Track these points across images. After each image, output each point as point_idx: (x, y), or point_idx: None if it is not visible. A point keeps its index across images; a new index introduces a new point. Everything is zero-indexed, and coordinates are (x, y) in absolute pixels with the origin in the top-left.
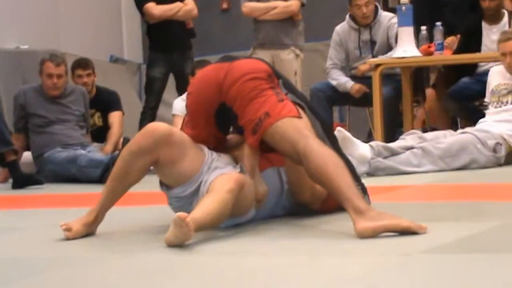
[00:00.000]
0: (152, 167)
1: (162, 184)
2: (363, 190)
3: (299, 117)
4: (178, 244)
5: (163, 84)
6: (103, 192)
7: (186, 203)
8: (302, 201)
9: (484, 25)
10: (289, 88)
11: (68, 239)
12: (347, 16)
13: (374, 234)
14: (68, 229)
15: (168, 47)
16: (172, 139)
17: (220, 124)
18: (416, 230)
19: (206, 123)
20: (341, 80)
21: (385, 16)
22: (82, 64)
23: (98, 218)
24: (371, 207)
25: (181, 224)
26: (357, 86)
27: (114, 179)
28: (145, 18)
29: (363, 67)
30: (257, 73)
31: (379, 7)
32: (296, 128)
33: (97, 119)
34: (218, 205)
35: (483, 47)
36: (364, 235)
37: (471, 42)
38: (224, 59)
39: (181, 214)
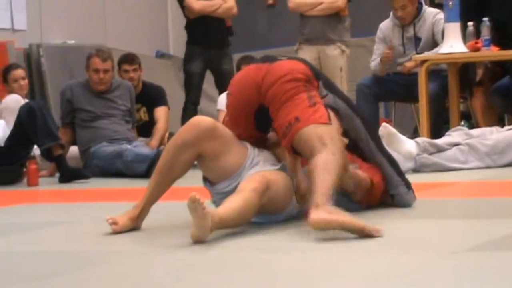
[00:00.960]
0: (196, 162)
1: (205, 180)
2: (407, 185)
3: (328, 123)
4: (202, 235)
5: (201, 79)
6: (149, 186)
7: None
8: (345, 190)
9: None
10: (331, 88)
11: (114, 232)
12: (391, 13)
13: (326, 227)
14: (114, 223)
15: (206, 43)
16: (215, 133)
17: (259, 124)
18: (371, 232)
19: (246, 123)
20: (374, 63)
21: (430, 13)
22: (129, 59)
23: (143, 212)
24: (329, 205)
25: (195, 206)
26: (387, 52)
27: (159, 173)
28: (185, 13)
29: (409, 64)
30: (295, 75)
31: (423, 3)
32: (319, 136)
33: (143, 114)
34: (243, 203)
35: None
36: (316, 226)
37: None
38: (265, 59)
39: (192, 194)
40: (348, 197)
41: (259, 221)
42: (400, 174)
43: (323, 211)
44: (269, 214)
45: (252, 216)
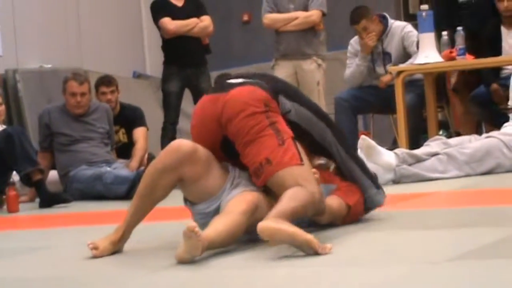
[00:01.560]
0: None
1: (186, 200)
2: (376, 185)
3: (300, 164)
4: (189, 259)
5: (179, 98)
6: (129, 210)
7: (211, 219)
8: (321, 222)
9: (502, 29)
10: (293, 97)
11: (95, 257)
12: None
13: (273, 234)
14: (95, 248)
15: (183, 62)
16: (196, 157)
17: (229, 153)
18: (317, 248)
19: (215, 154)
20: (349, 69)
21: (397, 27)
22: (106, 81)
23: (124, 235)
24: (282, 220)
25: (191, 235)
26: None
27: (140, 196)
28: (161, 33)
29: (385, 78)
30: (254, 107)
31: (388, 18)
32: (295, 179)
33: (121, 136)
34: (231, 226)
35: (503, 51)
36: (263, 233)
37: (492, 47)
38: (219, 87)
39: (190, 224)
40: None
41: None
42: (370, 176)
43: (272, 221)
44: (252, 232)
45: (238, 237)
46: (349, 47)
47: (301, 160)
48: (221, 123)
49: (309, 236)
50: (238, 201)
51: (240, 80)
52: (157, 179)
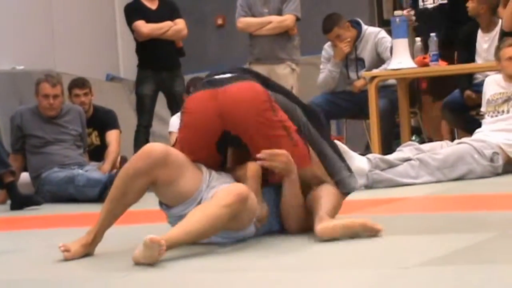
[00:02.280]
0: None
1: (161, 203)
2: (349, 169)
3: (311, 163)
4: (145, 263)
5: (153, 102)
6: (102, 213)
7: None
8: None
9: (479, 32)
10: (268, 85)
11: (66, 259)
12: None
13: (333, 232)
14: (66, 250)
15: (157, 66)
16: (168, 160)
17: (220, 148)
18: (372, 226)
19: (208, 150)
20: (322, 74)
21: (371, 33)
22: (79, 83)
23: (96, 238)
24: (331, 218)
25: (152, 246)
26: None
27: (112, 200)
28: (135, 36)
29: (358, 83)
30: (260, 103)
31: (362, 24)
32: (314, 175)
33: (94, 138)
34: (206, 221)
35: (476, 55)
36: (324, 234)
37: (466, 49)
38: (212, 82)
39: (154, 237)
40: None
41: (216, 241)
42: (343, 159)
43: (327, 221)
44: (230, 231)
45: (216, 232)
46: (323, 52)
47: (310, 157)
48: (223, 118)
49: (361, 220)
50: (227, 192)
51: (228, 75)
52: (129, 183)
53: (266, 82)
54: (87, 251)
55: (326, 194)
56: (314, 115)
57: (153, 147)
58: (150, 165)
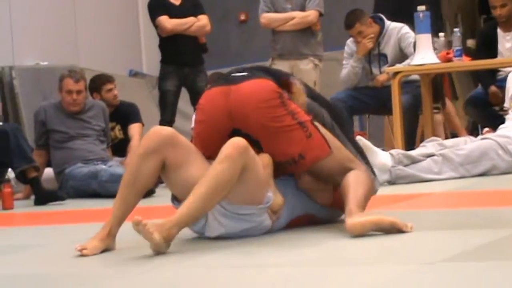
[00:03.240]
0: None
1: (173, 198)
2: (373, 172)
3: (331, 152)
4: (159, 250)
5: (176, 97)
6: (115, 203)
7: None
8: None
9: (499, 32)
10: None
11: (87, 255)
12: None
13: (363, 228)
14: (83, 248)
15: (180, 61)
16: (176, 140)
17: None
18: (402, 226)
19: (218, 146)
20: (345, 69)
21: (394, 28)
22: (109, 78)
23: (112, 230)
24: (362, 211)
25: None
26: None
27: (124, 186)
28: (158, 31)
29: (381, 77)
30: (271, 99)
31: (384, 20)
32: (339, 163)
33: (118, 132)
34: (210, 180)
35: (498, 54)
36: (354, 231)
37: (488, 49)
38: (227, 80)
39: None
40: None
41: (231, 233)
42: (367, 161)
43: (357, 216)
44: (244, 208)
45: (225, 191)
46: (346, 48)
47: (330, 147)
48: (233, 116)
49: (391, 219)
50: (223, 148)
51: (244, 73)
52: (140, 164)
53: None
54: (106, 245)
55: (354, 182)
56: (340, 117)
57: (161, 128)
58: (159, 143)
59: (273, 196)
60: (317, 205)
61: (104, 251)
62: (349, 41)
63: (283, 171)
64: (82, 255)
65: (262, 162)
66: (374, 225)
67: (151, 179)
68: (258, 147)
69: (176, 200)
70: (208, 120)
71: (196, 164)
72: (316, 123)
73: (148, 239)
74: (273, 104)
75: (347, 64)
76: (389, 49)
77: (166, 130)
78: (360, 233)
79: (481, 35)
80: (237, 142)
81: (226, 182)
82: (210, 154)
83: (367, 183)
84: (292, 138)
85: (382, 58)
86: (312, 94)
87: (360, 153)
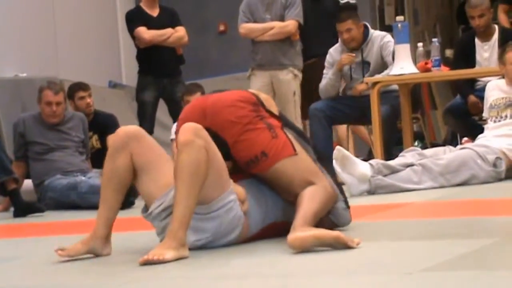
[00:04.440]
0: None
1: (143, 210)
2: (346, 204)
3: (294, 153)
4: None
5: (154, 108)
6: (99, 206)
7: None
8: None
9: (477, 41)
10: (292, 128)
11: (62, 256)
12: (340, 38)
13: (303, 243)
14: (60, 249)
15: (158, 72)
16: (141, 135)
17: None
18: (347, 242)
19: None
20: (323, 82)
21: (377, 36)
22: (82, 86)
23: (98, 231)
24: (307, 227)
25: (150, 263)
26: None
27: (103, 187)
28: (136, 42)
29: (360, 86)
30: (242, 100)
31: (369, 28)
32: (297, 169)
33: (95, 142)
34: (182, 178)
35: (476, 64)
36: (294, 245)
37: (466, 59)
38: (215, 91)
39: (141, 261)
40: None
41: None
42: (342, 193)
43: (298, 231)
44: (214, 195)
45: (203, 166)
46: (328, 56)
47: (295, 150)
48: (205, 114)
49: (335, 233)
50: (177, 137)
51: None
52: (112, 162)
53: (282, 118)
54: (89, 247)
55: (308, 198)
56: (321, 153)
57: (127, 126)
58: (124, 138)
59: (234, 187)
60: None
61: (91, 254)
62: (332, 50)
63: (248, 171)
64: (62, 267)
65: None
66: (316, 239)
67: (126, 174)
68: (225, 154)
69: (146, 209)
70: (183, 118)
71: (163, 167)
72: (286, 131)
73: (165, 262)
74: (244, 105)
75: (327, 74)
76: (372, 57)
77: (131, 127)
78: (300, 248)
79: (459, 45)
80: (186, 126)
81: (197, 165)
82: None
83: (322, 200)
84: (258, 137)
85: (365, 66)
86: (296, 130)
87: (339, 188)
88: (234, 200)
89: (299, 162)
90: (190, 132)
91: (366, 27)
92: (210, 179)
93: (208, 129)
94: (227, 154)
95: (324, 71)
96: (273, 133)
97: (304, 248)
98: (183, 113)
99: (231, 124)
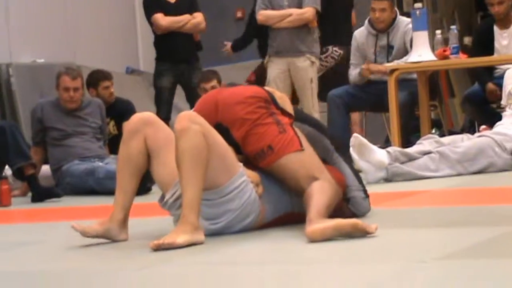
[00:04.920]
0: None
1: (160, 199)
2: (365, 193)
3: (301, 149)
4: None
5: (171, 94)
6: (116, 191)
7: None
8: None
9: (495, 29)
10: (298, 117)
11: (78, 230)
12: (366, 21)
13: (322, 234)
14: (77, 225)
15: (175, 58)
16: (154, 121)
17: None
18: (365, 228)
19: None
20: (353, 73)
21: (403, 22)
22: (107, 75)
23: (115, 215)
24: (322, 219)
25: (162, 249)
26: (366, 65)
27: (118, 171)
28: (153, 29)
29: (374, 67)
30: (254, 96)
31: (397, 13)
32: (303, 165)
33: (112, 128)
34: (184, 164)
35: (495, 51)
36: (313, 237)
37: (484, 46)
38: (230, 84)
39: (152, 245)
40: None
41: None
42: (361, 182)
43: (316, 223)
44: (223, 181)
45: (203, 150)
46: (353, 40)
47: (301, 145)
48: (218, 107)
49: (352, 221)
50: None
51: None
52: (126, 147)
53: (297, 114)
54: (105, 229)
55: (317, 192)
56: (338, 143)
57: (141, 112)
58: (138, 123)
59: (247, 171)
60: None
61: (107, 238)
62: (357, 33)
63: (255, 165)
64: (79, 252)
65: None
66: (334, 230)
67: (140, 158)
68: (236, 149)
69: (162, 198)
70: (196, 110)
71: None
72: (296, 128)
73: (176, 247)
74: (255, 101)
75: (354, 61)
76: (396, 42)
77: (145, 113)
78: (320, 239)
79: (477, 33)
80: (182, 115)
81: (195, 149)
82: None
83: (330, 193)
84: (265, 132)
85: (390, 50)
86: (313, 122)
87: (358, 178)
88: (246, 182)
89: (305, 157)
90: (185, 119)
91: (395, 12)
92: (214, 163)
93: (219, 124)
94: (238, 149)
95: (351, 56)
96: (280, 128)
97: (323, 239)
98: (197, 105)
99: (241, 120)
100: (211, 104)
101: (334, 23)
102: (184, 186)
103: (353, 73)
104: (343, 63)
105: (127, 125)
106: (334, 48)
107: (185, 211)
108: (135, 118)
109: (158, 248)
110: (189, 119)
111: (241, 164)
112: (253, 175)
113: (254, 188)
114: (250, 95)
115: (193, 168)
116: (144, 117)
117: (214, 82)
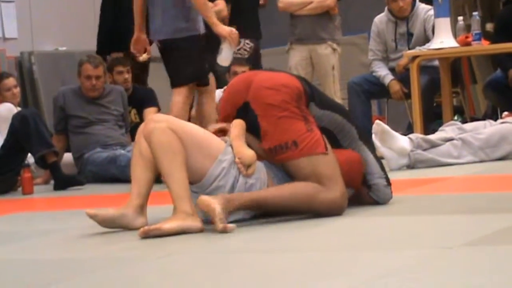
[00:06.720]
0: None
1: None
2: (387, 181)
3: (325, 152)
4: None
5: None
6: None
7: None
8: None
9: None
10: (325, 105)
11: (91, 214)
12: (386, 8)
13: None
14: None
15: None
16: (165, 130)
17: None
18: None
19: (229, 114)
20: (381, 73)
21: (422, 9)
22: (122, 60)
23: (129, 201)
24: (226, 203)
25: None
26: (396, 87)
27: (131, 166)
28: None
29: (402, 62)
30: (289, 87)
31: (417, 0)
32: (314, 170)
33: (133, 116)
34: (161, 161)
35: None
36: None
37: (507, 33)
38: (268, 68)
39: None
40: None
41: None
42: (383, 170)
43: (214, 199)
44: (205, 168)
45: (176, 145)
46: (373, 26)
47: (326, 149)
48: (251, 86)
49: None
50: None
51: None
52: (139, 146)
53: (322, 101)
54: (120, 213)
55: (289, 188)
56: (364, 132)
57: (157, 119)
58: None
59: (242, 149)
60: None
61: (123, 224)
62: (377, 19)
63: (272, 156)
64: (100, 240)
65: (233, 123)
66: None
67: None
68: (256, 134)
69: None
70: (230, 85)
71: (202, 154)
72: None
73: (163, 233)
74: (287, 91)
75: (373, 45)
76: (416, 29)
77: (159, 116)
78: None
79: (500, 19)
80: (146, 120)
81: (166, 143)
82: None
83: (303, 200)
84: (292, 125)
85: (409, 38)
86: (342, 112)
87: (381, 166)
88: (227, 168)
89: (323, 163)
90: (150, 123)
91: None
92: (193, 155)
93: (246, 103)
94: (257, 131)
95: (370, 42)
96: (308, 126)
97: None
98: (232, 80)
99: (268, 106)
100: (245, 82)
101: (244, 19)
102: (168, 181)
103: (380, 72)
104: (256, 55)
105: (142, 128)
106: (246, 41)
107: (175, 203)
108: (149, 124)
109: (146, 235)
110: (152, 120)
111: (223, 143)
112: (246, 155)
113: (241, 169)
114: (283, 83)
115: (169, 161)
116: (156, 128)
117: (246, 68)
